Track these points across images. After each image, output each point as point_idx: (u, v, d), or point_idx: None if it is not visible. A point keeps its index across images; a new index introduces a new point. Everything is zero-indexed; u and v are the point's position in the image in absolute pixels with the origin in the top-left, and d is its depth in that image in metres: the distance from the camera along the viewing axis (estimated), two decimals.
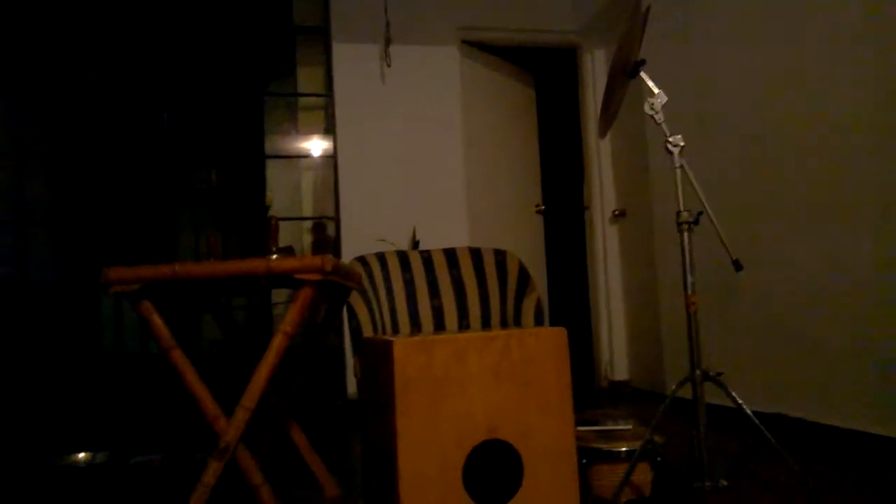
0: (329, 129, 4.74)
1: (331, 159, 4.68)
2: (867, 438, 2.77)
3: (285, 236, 4.59)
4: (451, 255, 2.79)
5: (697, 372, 1.96)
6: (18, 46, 4.40)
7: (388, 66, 4.66)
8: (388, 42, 4.63)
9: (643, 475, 2.11)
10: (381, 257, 2.72)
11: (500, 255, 2.75)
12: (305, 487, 2.30)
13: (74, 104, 4.53)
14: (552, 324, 2.83)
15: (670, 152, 2.08)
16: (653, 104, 2.12)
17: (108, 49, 4.50)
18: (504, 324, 2.66)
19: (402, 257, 2.76)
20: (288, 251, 1.96)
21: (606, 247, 4.94)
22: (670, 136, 2.08)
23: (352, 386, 4.33)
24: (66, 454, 2.89)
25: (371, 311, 2.43)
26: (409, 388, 1.54)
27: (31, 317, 4.31)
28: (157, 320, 1.77)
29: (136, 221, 4.58)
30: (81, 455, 2.88)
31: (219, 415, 1.76)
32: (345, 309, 2.38)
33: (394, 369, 1.54)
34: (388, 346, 1.58)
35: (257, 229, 4.72)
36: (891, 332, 2.71)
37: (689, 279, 2.02)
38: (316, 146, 4.85)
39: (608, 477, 2.09)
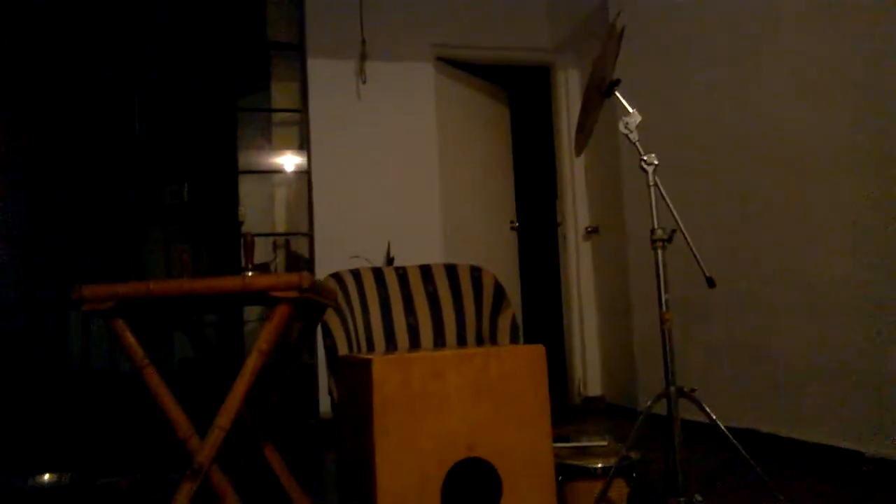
0: (303, 145, 4.73)
1: (305, 175, 4.66)
2: (838, 453, 2.81)
3: (258, 252, 4.55)
4: (426, 271, 2.78)
5: (672, 388, 1.98)
6: None
7: (364, 82, 4.67)
8: (363, 58, 4.64)
9: (619, 491, 2.11)
10: (356, 274, 2.70)
11: (476, 272, 2.76)
12: None
13: (43, 116, 4.46)
14: (526, 340, 2.85)
15: (644, 171, 2.11)
16: (627, 123, 2.14)
17: (80, 60, 4.45)
18: (479, 340, 2.66)
19: (377, 274, 2.75)
20: (264, 268, 1.94)
21: (580, 263, 4.97)
22: (644, 154, 2.11)
23: (325, 405, 4.29)
24: (31, 475, 2.81)
25: (346, 328, 2.41)
26: (387, 407, 1.53)
27: None
28: (130, 338, 1.74)
29: (105, 236, 4.51)
30: (46, 476, 2.80)
31: (191, 434, 1.73)
32: (319, 326, 2.36)
33: (372, 387, 1.53)
34: (366, 364, 1.57)
35: (229, 244, 4.68)
36: (862, 349, 2.76)
37: (664, 296, 2.04)
38: (289, 161, 4.83)
39: (585, 494, 2.09)
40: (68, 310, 4.35)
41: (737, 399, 3.35)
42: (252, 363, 1.73)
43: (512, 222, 5.37)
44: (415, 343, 2.66)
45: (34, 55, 4.37)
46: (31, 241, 4.50)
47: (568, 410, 4.75)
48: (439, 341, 2.67)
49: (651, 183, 2.10)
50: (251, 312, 4.52)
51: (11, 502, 2.64)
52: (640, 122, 2.14)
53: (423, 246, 4.62)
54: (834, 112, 2.87)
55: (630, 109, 2.15)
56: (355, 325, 2.55)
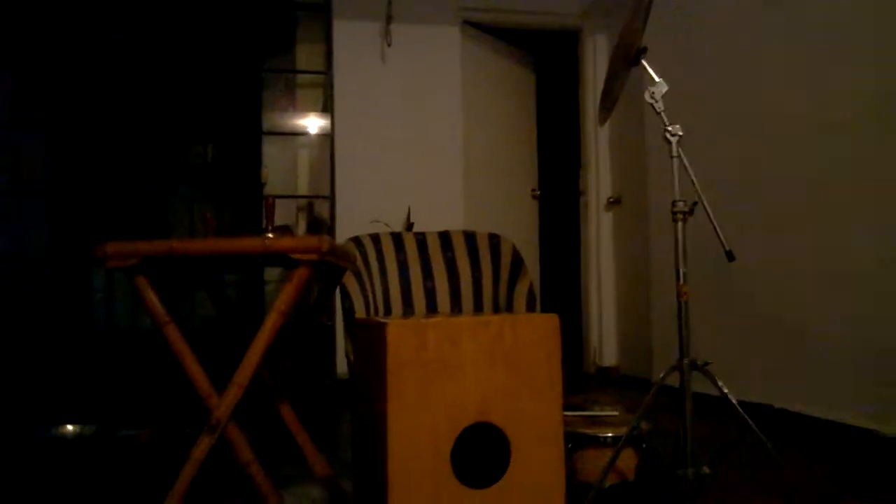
0: (327, 107, 4.72)
1: (327, 137, 4.66)
2: (850, 430, 2.81)
3: (280, 214, 4.57)
4: (445, 237, 2.79)
5: (685, 361, 1.98)
6: (12, 14, 4.35)
7: (389, 45, 4.63)
8: (389, 20, 4.60)
9: (628, 461, 2.13)
10: (376, 238, 2.72)
11: (495, 239, 2.76)
12: (295, 465, 2.32)
13: (70, 76, 4.48)
14: (543, 308, 2.85)
15: (668, 141, 2.08)
16: (653, 93, 2.11)
17: (106, 20, 4.45)
18: (496, 308, 2.67)
19: (397, 239, 2.76)
20: (284, 230, 1.96)
21: (600, 233, 4.95)
22: (669, 125, 2.08)
23: (342, 366, 4.35)
24: (54, 426, 2.90)
25: (364, 292, 2.44)
26: (401, 370, 1.56)
27: (22, 290, 4.30)
28: (152, 295, 1.77)
29: (129, 195, 4.56)
30: (70, 427, 2.89)
31: (210, 391, 1.77)
32: (338, 289, 2.38)
33: (387, 351, 1.55)
34: (381, 328, 1.59)
35: (252, 205, 4.71)
36: (880, 325, 2.74)
37: (682, 269, 2.03)
38: (313, 124, 4.83)
39: (593, 462, 2.11)
40: (92, 266, 4.42)
41: (751, 374, 3.35)
42: (271, 322, 1.75)
43: (533, 190, 5.35)
44: (432, 308, 2.68)
45: (61, 14, 4.38)
46: (56, 199, 4.57)
47: (582, 379, 4.78)
48: (456, 307, 2.69)
49: (674, 154, 2.08)
50: (272, 273, 4.58)
51: (36, 451, 2.73)
52: (666, 92, 2.11)
53: (443, 211, 4.61)
54: (867, 90, 2.80)
55: (657, 79, 2.11)
56: (373, 289, 2.57)
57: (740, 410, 1.95)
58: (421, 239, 2.77)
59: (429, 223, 4.35)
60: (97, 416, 3.04)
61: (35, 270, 4.37)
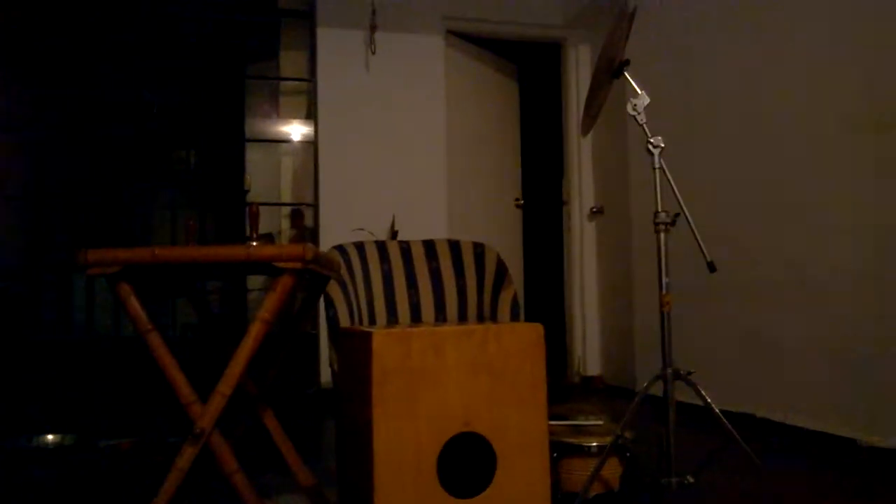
0: (310, 115, 4.71)
1: (311, 145, 4.66)
2: (832, 440, 2.84)
3: (263, 221, 4.56)
4: (429, 246, 2.79)
5: (669, 370, 2.00)
6: None
7: (373, 53, 4.64)
8: (373, 29, 4.61)
9: (612, 470, 2.14)
10: (360, 247, 2.72)
11: (479, 248, 2.77)
12: (279, 475, 2.30)
13: (50, 81, 4.45)
14: (527, 317, 2.86)
15: (651, 153, 2.11)
16: (635, 104, 2.14)
17: (89, 24, 4.43)
18: (480, 317, 2.68)
19: (381, 247, 2.76)
20: (268, 238, 1.95)
21: (583, 243, 4.98)
22: (651, 136, 2.10)
23: (325, 374, 4.33)
24: (34, 436, 2.86)
25: (348, 301, 2.43)
26: (386, 380, 1.56)
27: (2, 295, 4.24)
28: (134, 303, 1.76)
29: (111, 200, 4.52)
30: (50, 437, 2.85)
31: (193, 399, 1.75)
32: (322, 298, 2.37)
33: (372, 360, 1.55)
34: (366, 337, 1.59)
35: (235, 212, 4.69)
36: (861, 336, 2.77)
37: (665, 279, 2.05)
38: (296, 131, 4.82)
39: (578, 471, 2.12)
40: (73, 274, 4.38)
41: (734, 383, 3.37)
42: (254, 331, 1.75)
43: (517, 199, 5.37)
44: (416, 317, 2.68)
45: (44, 17, 4.34)
46: (37, 205, 4.52)
47: (566, 389, 4.79)
48: (440, 316, 2.69)
49: (656, 165, 2.10)
50: (255, 281, 4.55)
51: (16, 461, 2.69)
52: (648, 104, 2.13)
53: (427, 220, 4.62)
54: (849, 98, 2.85)
55: (639, 90, 2.14)
56: (357, 298, 2.57)
57: (724, 420, 1.97)
58: (405, 248, 2.78)
59: (413, 231, 4.35)
60: (78, 426, 3.00)
61: (12, 277, 4.31)
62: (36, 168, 4.54)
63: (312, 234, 4.56)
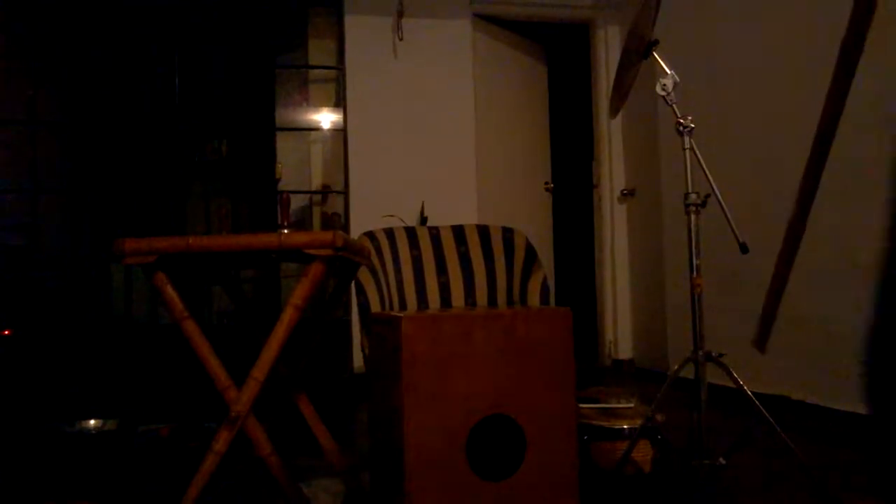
0: (339, 103, 4.73)
1: (340, 132, 4.68)
2: (866, 421, 2.80)
3: (294, 209, 4.61)
4: (458, 231, 2.80)
5: (700, 353, 1.98)
6: (32, 12, 4.40)
7: (401, 39, 4.64)
8: (400, 15, 4.60)
9: (644, 452, 2.14)
10: (390, 233, 2.73)
11: (508, 233, 2.77)
12: (313, 458, 2.35)
13: (87, 72, 4.53)
14: (558, 301, 2.87)
15: (681, 133, 2.08)
16: (664, 85, 2.11)
17: (121, 17, 4.49)
18: (510, 301, 2.68)
19: (411, 233, 2.77)
20: (300, 226, 1.98)
21: (614, 226, 4.94)
22: (681, 117, 2.08)
23: (358, 360, 4.38)
24: (78, 421, 2.95)
25: (379, 286, 2.45)
26: (416, 364, 1.57)
27: (43, 285, 4.36)
28: (171, 291, 1.80)
29: (146, 190, 4.60)
30: (92, 422, 2.93)
31: (229, 385, 1.79)
32: (353, 284, 2.40)
33: (402, 345, 1.57)
34: (396, 322, 1.61)
35: (266, 201, 4.74)
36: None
37: (695, 261, 2.04)
38: (326, 119, 4.85)
39: (609, 454, 2.13)
40: (110, 263, 4.48)
41: (767, 365, 3.34)
42: (287, 317, 1.78)
43: (546, 183, 5.34)
44: (446, 302, 2.70)
45: (76, 12, 4.42)
46: (75, 196, 4.63)
47: (597, 372, 4.78)
48: (470, 301, 2.70)
49: (686, 146, 2.08)
50: (288, 268, 4.61)
51: (59, 445, 2.78)
52: (677, 84, 2.11)
53: (456, 206, 4.62)
54: (878, 80, 2.78)
55: (668, 71, 2.11)
56: (388, 284, 2.59)
57: (755, 401, 1.95)
58: (434, 233, 2.79)
59: (442, 217, 4.36)
60: (119, 411, 3.09)
61: (53, 266, 4.43)
62: (73, 161, 4.64)
63: (343, 221, 4.59)
